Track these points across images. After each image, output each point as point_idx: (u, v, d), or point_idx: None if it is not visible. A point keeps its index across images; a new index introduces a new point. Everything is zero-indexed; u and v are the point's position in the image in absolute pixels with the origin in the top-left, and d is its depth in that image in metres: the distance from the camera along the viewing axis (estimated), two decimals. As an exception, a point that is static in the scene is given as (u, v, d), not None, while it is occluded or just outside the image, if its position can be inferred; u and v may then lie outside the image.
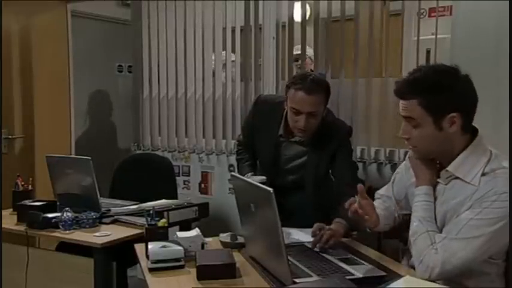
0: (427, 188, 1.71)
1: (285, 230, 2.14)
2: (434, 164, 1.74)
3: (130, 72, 4.55)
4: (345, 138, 2.49)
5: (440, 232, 1.64)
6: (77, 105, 4.39)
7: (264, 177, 2.43)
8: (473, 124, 1.68)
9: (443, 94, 1.58)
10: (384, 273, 1.67)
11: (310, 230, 2.10)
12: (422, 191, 1.71)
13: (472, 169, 1.62)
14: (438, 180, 1.72)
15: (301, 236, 2.15)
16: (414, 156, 1.76)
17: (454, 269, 1.58)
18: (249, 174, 2.55)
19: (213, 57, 3.69)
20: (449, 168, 1.66)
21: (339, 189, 2.40)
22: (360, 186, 1.76)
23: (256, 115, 2.63)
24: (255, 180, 2.42)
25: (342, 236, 2.09)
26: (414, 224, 1.68)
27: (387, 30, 3.15)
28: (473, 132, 1.68)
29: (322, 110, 2.34)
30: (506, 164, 1.61)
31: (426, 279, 1.57)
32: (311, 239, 2.05)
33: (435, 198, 1.71)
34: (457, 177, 1.65)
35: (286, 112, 2.41)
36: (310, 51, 3.50)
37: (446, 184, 1.69)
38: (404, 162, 1.96)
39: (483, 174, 1.60)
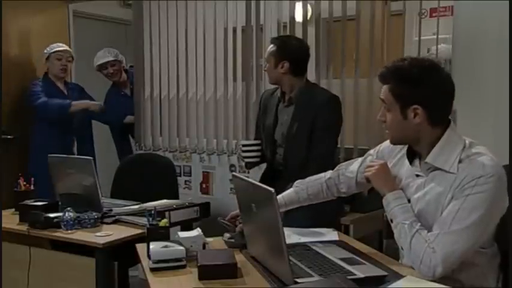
0: (396, 193, 1.76)
1: (298, 230, 2.16)
2: (390, 173, 1.82)
3: (131, 72, 4.54)
4: (322, 106, 2.57)
5: (429, 227, 1.65)
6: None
7: (258, 141, 2.74)
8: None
9: (410, 86, 1.66)
10: (385, 273, 1.67)
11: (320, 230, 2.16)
12: (392, 197, 1.75)
13: (450, 157, 1.66)
14: (419, 173, 1.75)
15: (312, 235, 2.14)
16: (390, 141, 1.82)
17: (454, 263, 1.59)
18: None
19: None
20: (427, 159, 1.70)
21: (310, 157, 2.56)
22: None
23: (261, 106, 2.88)
24: (248, 142, 2.76)
25: None
26: (402, 229, 1.69)
27: (388, 31, 3.16)
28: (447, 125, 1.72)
29: (273, 61, 2.64)
30: (480, 149, 1.65)
31: (429, 279, 1.58)
32: (322, 239, 2.07)
33: (416, 193, 1.74)
34: (436, 169, 1.69)
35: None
36: None
37: (427, 176, 1.72)
38: (376, 148, 2.00)
39: (460, 162, 1.64)
